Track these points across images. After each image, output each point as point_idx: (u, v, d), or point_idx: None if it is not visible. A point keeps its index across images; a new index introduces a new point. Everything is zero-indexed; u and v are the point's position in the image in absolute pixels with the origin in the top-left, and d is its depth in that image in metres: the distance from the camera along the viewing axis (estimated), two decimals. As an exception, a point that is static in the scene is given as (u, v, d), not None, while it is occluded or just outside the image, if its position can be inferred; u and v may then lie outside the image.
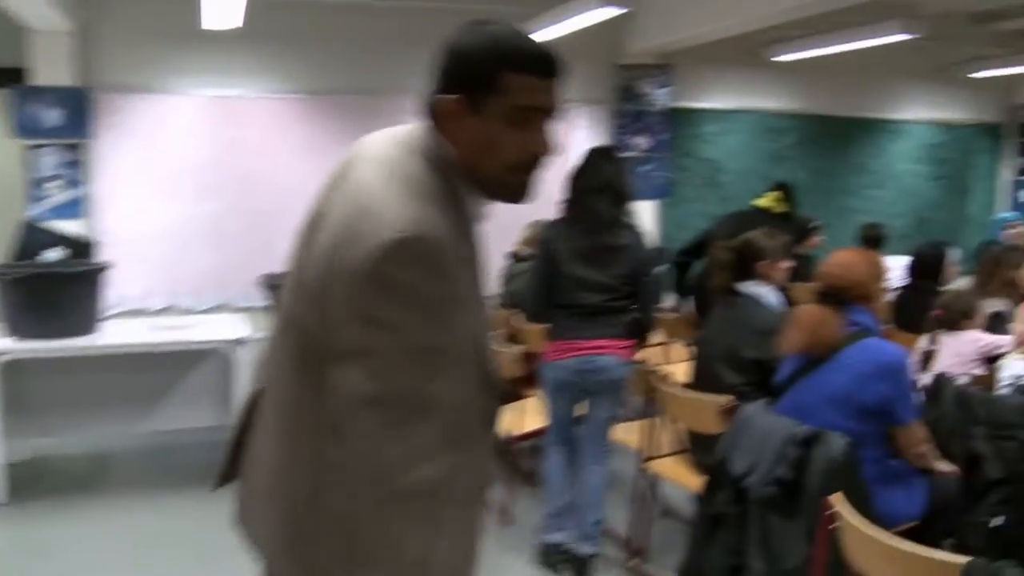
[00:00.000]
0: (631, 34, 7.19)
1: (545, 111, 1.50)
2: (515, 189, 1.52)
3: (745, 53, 7.76)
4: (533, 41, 1.48)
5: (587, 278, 3.85)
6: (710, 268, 3.95)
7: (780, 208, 5.81)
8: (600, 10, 5.32)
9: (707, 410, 3.55)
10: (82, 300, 4.77)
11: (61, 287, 4.69)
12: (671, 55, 7.38)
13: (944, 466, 3.29)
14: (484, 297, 1.61)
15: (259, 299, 6.09)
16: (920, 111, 8.93)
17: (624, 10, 5.33)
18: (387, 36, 6.58)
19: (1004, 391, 3.88)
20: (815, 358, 3.18)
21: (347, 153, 1.59)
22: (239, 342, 4.81)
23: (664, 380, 3.87)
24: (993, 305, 4.65)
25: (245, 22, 5.70)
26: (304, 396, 1.46)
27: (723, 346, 3.79)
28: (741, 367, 3.70)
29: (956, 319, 4.26)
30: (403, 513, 1.34)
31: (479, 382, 1.52)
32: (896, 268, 6.29)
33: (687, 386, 3.96)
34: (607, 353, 3.86)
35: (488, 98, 1.45)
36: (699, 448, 3.84)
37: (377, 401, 1.32)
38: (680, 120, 7.76)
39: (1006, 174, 9.56)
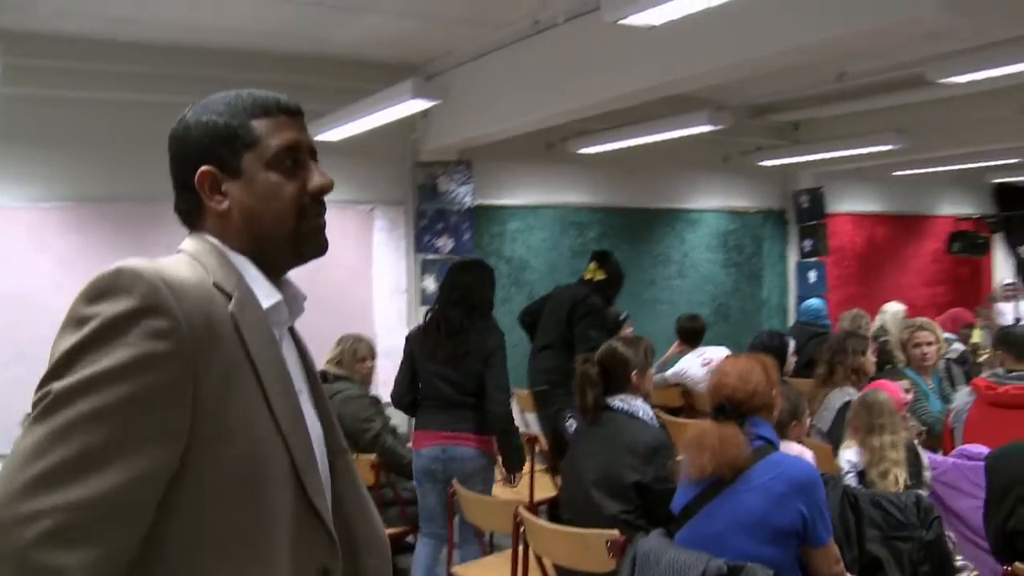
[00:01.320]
0: (429, 130, 6.81)
1: (307, 148, 1.42)
2: (312, 237, 1.41)
3: (546, 147, 7.54)
4: (258, 92, 1.44)
5: (441, 375, 4.22)
6: (577, 386, 3.53)
7: (600, 275, 5.65)
8: (409, 102, 4.90)
9: (589, 546, 3.08)
10: None
11: None
12: (471, 151, 7.05)
13: None
14: (298, 424, 1.34)
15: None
16: (712, 200, 9.03)
17: (434, 102, 4.95)
18: (160, 136, 5.86)
19: (849, 479, 3.69)
20: (718, 480, 2.79)
21: None
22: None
23: (530, 510, 3.37)
24: (842, 396, 4.48)
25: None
26: None
27: (598, 469, 3.34)
28: (622, 493, 3.27)
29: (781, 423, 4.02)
30: None
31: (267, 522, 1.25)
32: (717, 359, 6.16)
33: (556, 517, 3.50)
34: (461, 444, 4.13)
35: (243, 154, 1.36)
36: (576, 589, 3.36)
37: (36, 453, 1.09)
38: (483, 218, 7.39)
39: (793, 257, 9.80)
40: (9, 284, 5.53)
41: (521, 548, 3.43)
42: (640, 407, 3.43)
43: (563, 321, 5.45)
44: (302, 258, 1.42)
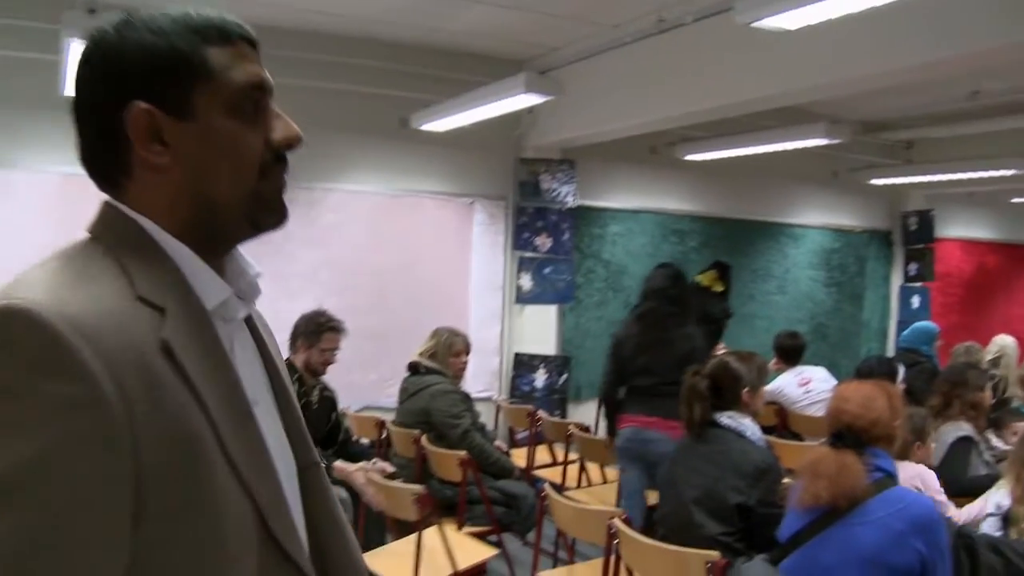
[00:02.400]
0: (534, 126, 6.73)
1: (268, 88, 1.05)
2: (273, 201, 1.06)
3: (651, 151, 7.41)
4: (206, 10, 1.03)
5: (644, 366, 4.66)
6: (683, 399, 3.40)
7: (719, 287, 5.49)
8: (521, 96, 4.81)
9: (688, 565, 2.95)
10: None
11: None
12: (575, 150, 6.95)
13: None
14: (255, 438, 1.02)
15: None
16: (817, 216, 8.79)
17: (547, 97, 4.85)
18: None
19: (988, 524, 3.45)
20: (831, 510, 2.64)
21: None
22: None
23: (627, 524, 3.24)
24: (955, 431, 4.26)
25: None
26: None
27: (701, 488, 3.20)
28: (724, 514, 3.13)
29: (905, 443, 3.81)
30: None
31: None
32: (818, 380, 5.97)
33: (650, 532, 3.37)
34: (653, 428, 4.54)
35: (196, 89, 0.99)
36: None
37: None
38: (583, 219, 7.28)
39: (896, 280, 9.48)
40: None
41: (612, 560, 3.32)
42: (749, 426, 3.29)
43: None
44: (258, 229, 1.08)
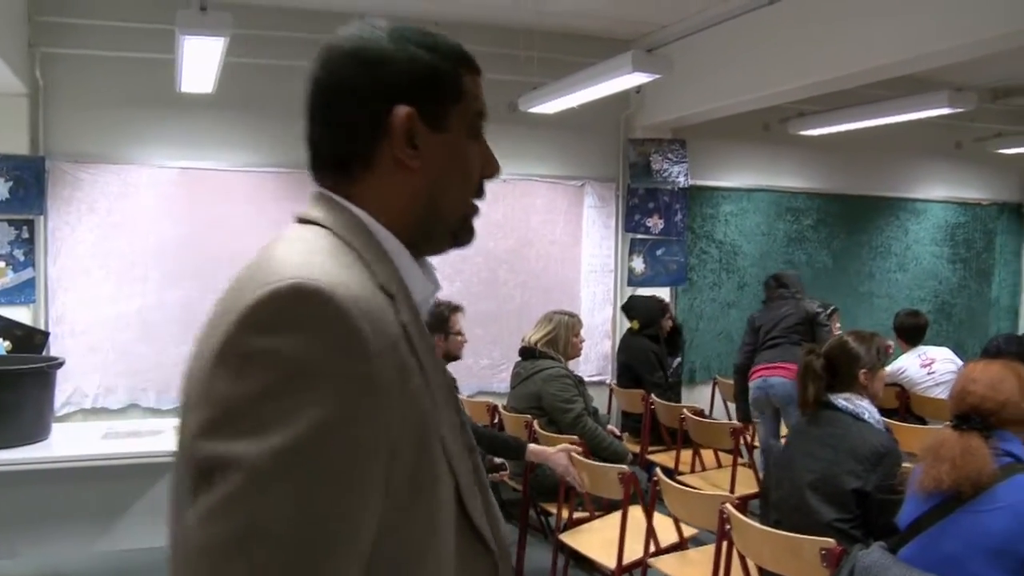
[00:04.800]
0: (643, 106, 6.66)
1: (486, 117, 1.17)
2: (472, 220, 1.17)
3: (764, 128, 7.24)
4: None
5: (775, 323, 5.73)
6: (798, 378, 3.32)
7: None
8: (630, 76, 4.74)
9: (801, 552, 2.88)
10: (31, 402, 4.13)
11: (6, 386, 4.01)
12: (685, 129, 6.84)
13: None
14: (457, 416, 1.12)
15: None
16: (939, 190, 8.44)
17: (655, 76, 4.76)
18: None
19: None
20: (955, 496, 2.54)
21: None
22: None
23: (740, 509, 3.19)
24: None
25: (219, 87, 5.09)
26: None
27: (816, 472, 3.12)
28: (840, 499, 3.04)
29: None
30: None
31: (456, 544, 1.02)
32: (942, 361, 5.77)
33: (765, 517, 3.31)
34: (778, 375, 5.47)
35: (451, 106, 1.11)
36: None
37: (230, 550, 0.82)
38: (695, 199, 7.17)
39: (1031, 255, 9.05)
40: (220, 244, 5.74)
41: (724, 546, 3.27)
42: (866, 408, 3.18)
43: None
44: (456, 243, 1.17)
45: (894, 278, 8.21)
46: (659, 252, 6.92)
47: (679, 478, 4.92)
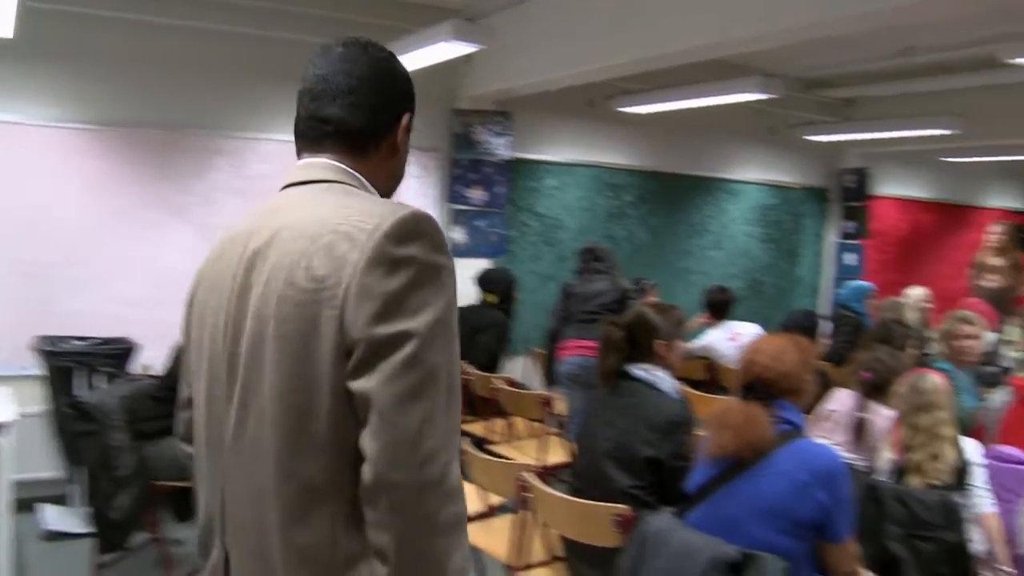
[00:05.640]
0: (471, 77, 6.63)
1: None
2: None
3: (588, 104, 7.34)
4: None
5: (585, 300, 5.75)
6: (600, 348, 3.38)
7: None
8: (449, 45, 4.71)
9: (596, 518, 2.95)
10: None
11: None
12: (512, 102, 6.86)
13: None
14: None
15: (31, 367, 5.04)
16: (754, 172, 8.80)
17: (476, 47, 4.75)
18: (193, 63, 5.75)
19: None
20: (738, 462, 2.65)
21: (240, 227, 1.48)
22: (3, 425, 3.87)
23: (546, 478, 3.24)
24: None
25: (20, 33, 4.77)
26: (310, 466, 1.30)
27: (613, 440, 3.19)
28: (635, 467, 3.12)
29: (886, 382, 3.83)
30: (451, 527, 1.27)
31: None
32: (748, 336, 6.00)
33: (566, 486, 3.36)
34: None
35: (411, 119, 1.56)
36: (580, 559, 3.24)
37: (420, 389, 1.25)
38: (518, 172, 7.21)
39: (831, 237, 9.56)
40: (16, 205, 5.39)
41: (526, 514, 3.30)
42: (663, 378, 3.27)
43: None
44: None
45: (710, 255, 8.51)
46: (480, 223, 6.93)
47: (490, 447, 4.96)
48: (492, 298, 6.11)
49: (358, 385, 1.24)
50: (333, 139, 1.47)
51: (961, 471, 3.34)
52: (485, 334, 5.95)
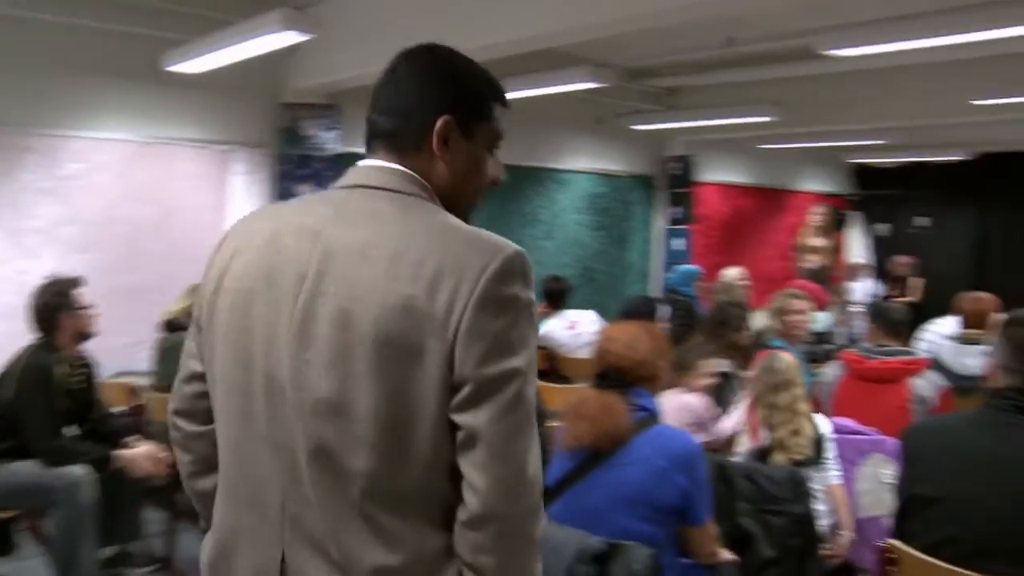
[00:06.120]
0: (298, 68, 6.42)
1: (503, 139, 1.58)
2: (472, 212, 1.56)
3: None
4: None
5: None
6: None
7: None
8: (278, 35, 4.53)
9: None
10: None
11: None
12: (341, 95, 6.69)
13: (727, 555, 2.88)
14: None
15: None
16: (583, 161, 8.92)
17: (306, 36, 4.58)
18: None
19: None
20: (596, 453, 2.63)
21: (282, 222, 1.48)
22: None
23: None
24: (716, 367, 4.39)
25: None
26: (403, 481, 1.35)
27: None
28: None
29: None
30: (539, 544, 1.38)
31: None
32: (585, 323, 6.06)
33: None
34: None
35: (480, 123, 1.52)
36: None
37: (524, 422, 1.35)
38: (349, 167, 7.00)
39: (659, 224, 9.79)
40: None
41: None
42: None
43: None
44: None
45: (542, 245, 8.57)
46: (313, 221, 6.72)
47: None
48: None
49: (465, 419, 1.31)
50: (379, 140, 1.52)
51: (818, 444, 3.46)
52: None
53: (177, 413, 1.63)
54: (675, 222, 9.74)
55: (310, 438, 1.36)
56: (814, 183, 11.87)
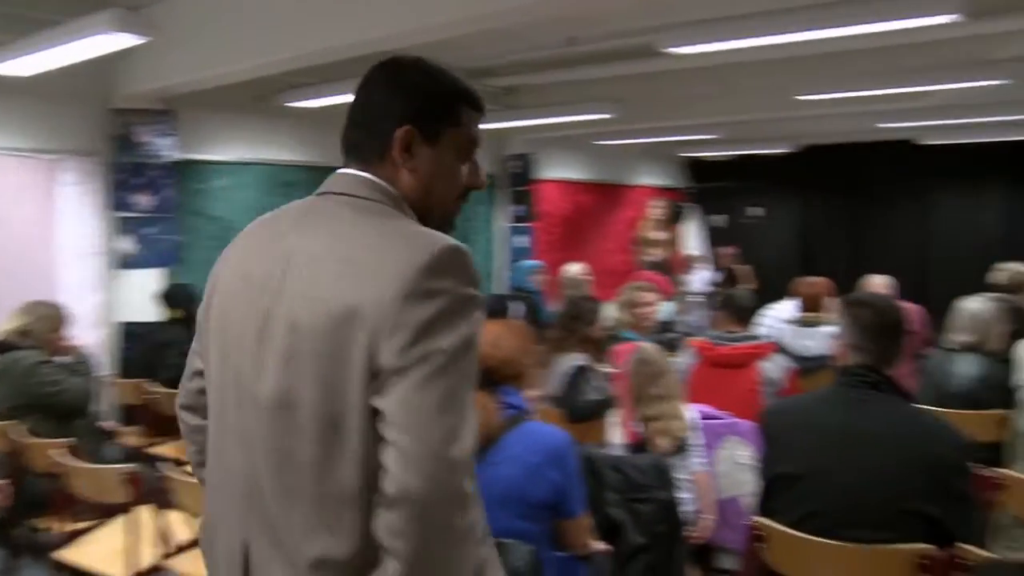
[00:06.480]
0: (126, 74, 6.16)
1: (480, 145, 1.62)
2: (453, 217, 1.63)
3: (255, 99, 7.06)
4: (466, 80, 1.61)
5: None
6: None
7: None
8: (109, 36, 4.32)
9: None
10: None
11: None
12: (176, 100, 6.46)
13: (600, 545, 2.93)
14: None
15: None
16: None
17: (141, 39, 4.39)
18: None
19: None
20: (470, 453, 2.62)
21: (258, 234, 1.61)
22: None
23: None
24: (571, 360, 4.46)
25: None
26: (341, 477, 1.40)
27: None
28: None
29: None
30: (464, 535, 1.38)
31: None
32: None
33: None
34: None
35: (446, 129, 1.55)
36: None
37: (441, 406, 1.35)
38: (186, 174, 6.82)
39: (502, 222, 9.89)
40: None
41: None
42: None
43: None
44: (436, 229, 1.55)
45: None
46: (150, 231, 6.47)
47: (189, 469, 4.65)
48: (178, 313, 5.74)
49: (380, 403, 1.35)
50: (348, 152, 1.59)
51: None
52: (172, 349, 5.58)
53: (183, 408, 1.76)
54: (517, 220, 9.84)
55: (265, 431, 1.46)
56: (650, 177, 12.20)
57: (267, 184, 7.46)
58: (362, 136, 1.56)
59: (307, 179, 7.70)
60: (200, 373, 1.68)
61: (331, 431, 1.39)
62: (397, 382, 1.33)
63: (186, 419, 1.76)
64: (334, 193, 1.55)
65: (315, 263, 1.44)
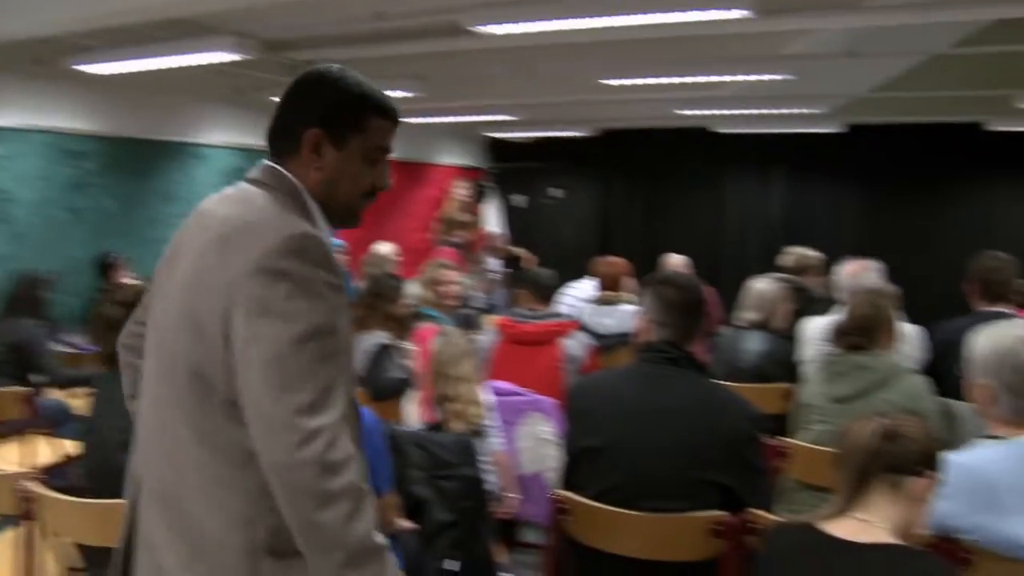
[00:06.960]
0: None
1: (389, 152, 1.81)
2: (358, 215, 1.82)
3: (34, 62, 6.59)
4: (382, 92, 1.78)
5: None
6: (93, 330, 3.09)
7: None
8: None
9: (116, 520, 2.67)
10: None
11: None
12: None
13: (406, 523, 3.01)
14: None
15: None
16: (222, 135, 8.60)
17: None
18: None
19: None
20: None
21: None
22: None
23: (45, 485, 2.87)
24: (374, 339, 4.42)
25: None
26: (221, 434, 1.57)
27: (126, 431, 2.91)
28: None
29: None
30: (335, 498, 1.46)
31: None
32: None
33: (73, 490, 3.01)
34: None
35: (353, 135, 1.74)
36: (102, 565, 2.94)
37: (291, 379, 1.48)
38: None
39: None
40: None
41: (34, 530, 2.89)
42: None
43: None
44: (342, 225, 1.81)
45: (180, 223, 8.15)
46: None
47: None
48: None
49: (239, 378, 1.52)
50: (269, 144, 1.80)
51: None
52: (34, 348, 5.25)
53: (123, 346, 2.05)
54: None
55: (155, 392, 1.69)
56: (452, 157, 12.22)
57: (51, 153, 6.98)
58: (279, 133, 1.77)
59: (97, 149, 7.33)
60: (144, 323, 1.85)
61: (204, 394, 1.57)
62: (247, 359, 1.50)
63: (124, 357, 2.00)
64: (248, 179, 1.76)
65: (204, 235, 1.65)
